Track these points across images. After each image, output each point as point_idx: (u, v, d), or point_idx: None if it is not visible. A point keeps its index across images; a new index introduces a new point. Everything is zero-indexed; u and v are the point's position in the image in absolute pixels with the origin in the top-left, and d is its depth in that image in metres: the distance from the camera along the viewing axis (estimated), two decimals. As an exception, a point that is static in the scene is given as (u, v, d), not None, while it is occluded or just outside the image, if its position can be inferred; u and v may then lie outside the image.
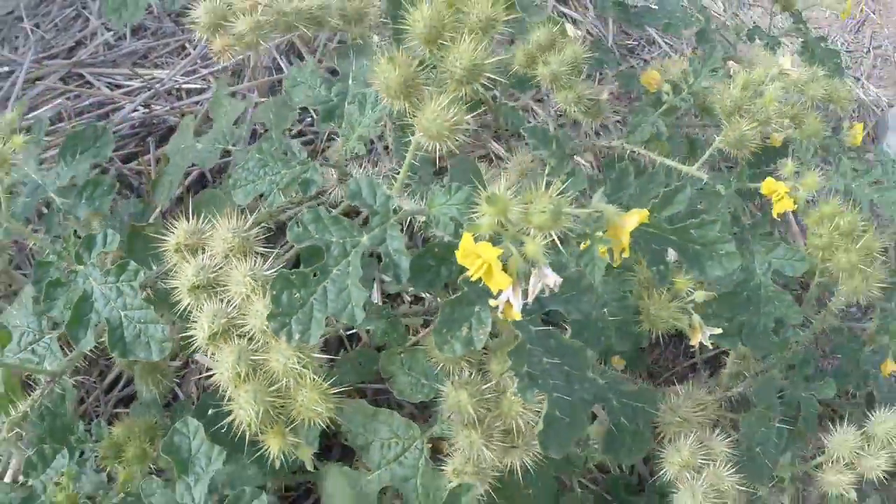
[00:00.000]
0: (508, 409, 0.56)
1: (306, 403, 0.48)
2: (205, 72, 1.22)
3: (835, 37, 1.63)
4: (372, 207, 0.49)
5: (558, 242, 0.41)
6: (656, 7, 1.11)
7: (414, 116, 0.48)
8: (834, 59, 1.12)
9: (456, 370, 0.57)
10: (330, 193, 0.63)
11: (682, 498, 0.62)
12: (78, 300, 0.57)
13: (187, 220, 0.54)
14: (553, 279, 0.42)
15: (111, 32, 1.31)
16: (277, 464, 0.52)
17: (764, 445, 0.73)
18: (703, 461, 0.65)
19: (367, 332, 0.96)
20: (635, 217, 0.43)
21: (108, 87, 1.25)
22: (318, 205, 0.63)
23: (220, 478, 0.68)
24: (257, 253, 0.54)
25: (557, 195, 0.43)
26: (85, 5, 1.39)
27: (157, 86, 1.19)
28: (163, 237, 0.54)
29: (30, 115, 1.23)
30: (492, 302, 0.42)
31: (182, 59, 1.25)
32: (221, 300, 0.52)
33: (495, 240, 0.43)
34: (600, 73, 1.20)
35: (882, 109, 1.47)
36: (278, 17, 0.58)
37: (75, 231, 0.61)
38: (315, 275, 0.48)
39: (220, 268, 0.53)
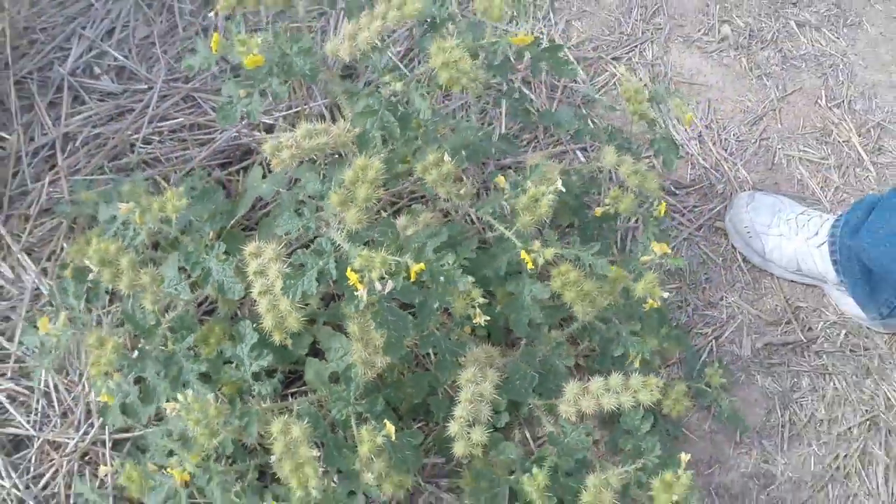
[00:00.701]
0: (374, 336, 1.41)
1: (289, 323, 1.34)
2: (276, 114, 2.08)
3: (732, 127, 2.38)
4: (325, 250, 1.33)
5: (385, 274, 1.25)
6: (554, 111, 1.90)
7: (346, 212, 1.32)
8: (671, 155, 1.86)
9: (355, 316, 1.42)
10: (324, 231, 1.46)
11: (461, 388, 1.46)
12: (205, 271, 1.44)
13: (255, 240, 1.40)
14: (381, 288, 1.25)
15: (217, 66, 2.17)
16: (277, 342, 1.37)
17: (521, 381, 1.57)
18: (480, 380, 1.49)
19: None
20: (418, 266, 1.26)
21: (211, 109, 2.13)
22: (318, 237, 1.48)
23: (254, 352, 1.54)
24: (283, 260, 1.39)
25: (388, 253, 1.26)
26: (198, 42, 2.26)
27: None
28: (242, 246, 1.40)
29: (162, 124, 2.12)
30: (356, 293, 1.27)
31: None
32: (266, 278, 1.38)
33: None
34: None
35: (743, 190, 2.25)
36: (304, 151, 1.43)
37: (207, 240, 1.46)
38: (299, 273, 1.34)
39: (266, 264, 1.38)
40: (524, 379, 1.56)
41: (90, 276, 1.44)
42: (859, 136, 2.44)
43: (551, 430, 1.59)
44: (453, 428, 1.40)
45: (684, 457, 1.51)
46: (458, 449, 1.40)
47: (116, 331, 1.44)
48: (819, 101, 2.48)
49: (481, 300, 1.43)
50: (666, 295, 1.56)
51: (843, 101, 2.50)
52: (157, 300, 1.40)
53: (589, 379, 1.55)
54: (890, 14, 2.75)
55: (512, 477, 1.55)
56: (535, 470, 1.45)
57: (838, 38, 2.64)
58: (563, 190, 1.49)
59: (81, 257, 1.55)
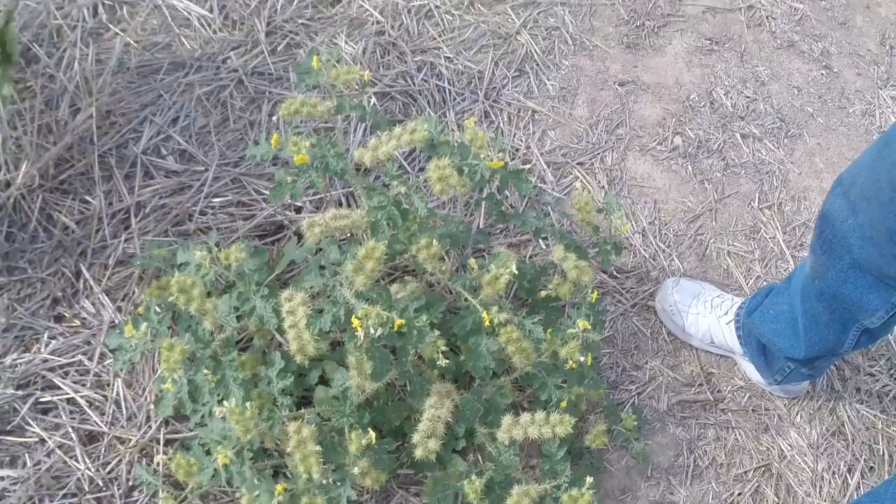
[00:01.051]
0: (366, 367, 2.09)
1: (307, 350, 2.01)
2: (304, 199, 2.80)
3: (672, 224, 3.06)
4: (339, 302, 2.01)
5: (378, 323, 1.93)
6: (521, 211, 2.61)
7: (356, 278, 2.01)
8: (608, 256, 2.54)
9: (354, 351, 2.10)
10: (338, 288, 2.15)
11: (424, 411, 2.13)
12: (251, 307, 2.13)
13: (289, 289, 2.08)
14: (374, 332, 1.93)
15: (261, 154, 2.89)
16: (298, 363, 2.04)
17: (470, 412, 2.24)
18: (439, 406, 2.17)
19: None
20: (399, 321, 1.94)
21: (254, 191, 2.85)
22: (333, 293, 2.16)
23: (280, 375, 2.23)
24: (308, 305, 2.07)
25: (377, 315, 1.94)
26: (246, 133, 2.99)
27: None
28: (279, 294, 2.08)
29: (215, 200, 2.84)
30: (357, 334, 1.94)
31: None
32: (294, 316, 2.07)
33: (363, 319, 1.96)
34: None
35: (674, 276, 2.94)
36: (331, 228, 2.12)
37: (253, 286, 2.15)
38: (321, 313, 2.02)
39: (296, 307, 2.06)
40: (473, 410, 2.24)
41: (170, 299, 2.10)
42: (784, 233, 3.13)
43: (490, 450, 2.27)
44: (415, 438, 2.08)
45: (588, 479, 2.13)
46: (418, 453, 2.03)
47: (178, 342, 2.12)
48: (752, 203, 3.17)
49: (444, 348, 2.12)
50: (583, 359, 2.22)
51: (775, 204, 3.19)
52: (214, 322, 2.09)
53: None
54: (829, 126, 3.46)
55: (459, 484, 2.23)
56: (473, 477, 2.13)
57: (778, 148, 3.35)
58: (516, 273, 2.18)
59: (152, 297, 2.26)
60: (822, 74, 3.77)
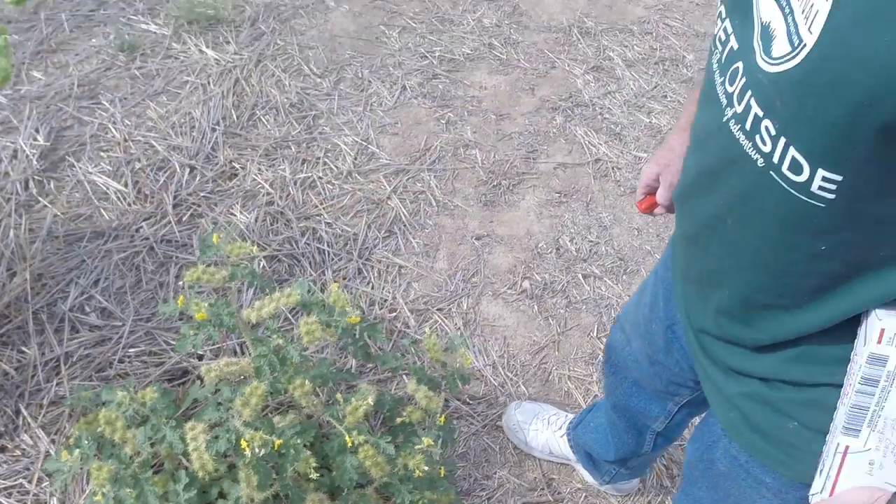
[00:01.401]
0: (253, 479, 2.84)
1: (207, 467, 2.77)
2: (206, 348, 3.57)
3: (519, 356, 3.89)
4: (231, 429, 2.78)
5: (261, 445, 2.69)
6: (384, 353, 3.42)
7: (243, 410, 2.78)
8: (455, 386, 3.38)
9: (243, 468, 2.86)
10: (232, 419, 2.91)
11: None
12: (163, 436, 2.88)
13: (192, 421, 2.84)
14: (259, 451, 2.69)
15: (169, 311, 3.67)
16: (200, 477, 2.80)
17: (342, 512, 2.99)
18: (315, 510, 2.91)
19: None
20: (278, 442, 2.71)
21: (164, 342, 3.61)
22: (227, 422, 2.93)
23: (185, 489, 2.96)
24: (207, 433, 2.83)
25: (260, 437, 2.72)
26: (156, 293, 3.77)
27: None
28: (185, 425, 2.84)
29: (131, 350, 3.60)
30: (245, 453, 2.70)
31: (197, 333, 3.62)
32: (196, 442, 2.82)
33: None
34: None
35: (518, 400, 3.73)
36: (225, 373, 2.90)
37: (164, 419, 2.89)
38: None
39: (197, 435, 2.82)
40: (346, 514, 3.00)
41: (98, 430, 2.83)
42: (619, 360, 3.93)
43: (361, 545, 3.01)
44: (295, 536, 2.82)
45: (442, 567, 2.91)
46: (296, 547, 2.80)
47: (105, 464, 2.83)
48: (592, 333, 3.93)
49: (315, 465, 2.89)
50: (427, 468, 3.00)
51: (611, 334, 4.01)
52: (133, 448, 2.81)
53: (387, 516, 2.98)
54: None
55: (334, 575, 2.96)
56: (343, 565, 2.88)
57: (617, 283, 4.17)
58: (372, 404, 2.97)
59: (82, 430, 3.00)
60: (662, 215, 4.65)
